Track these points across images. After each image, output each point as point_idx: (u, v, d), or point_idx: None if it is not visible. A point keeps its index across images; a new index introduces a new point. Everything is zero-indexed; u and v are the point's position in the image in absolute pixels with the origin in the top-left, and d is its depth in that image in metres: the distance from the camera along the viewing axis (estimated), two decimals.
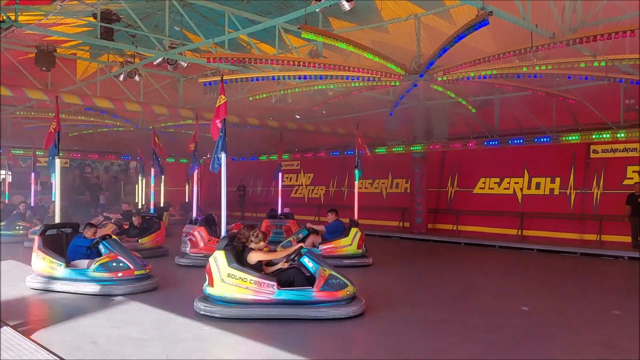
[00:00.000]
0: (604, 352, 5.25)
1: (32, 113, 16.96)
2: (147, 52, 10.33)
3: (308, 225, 11.30)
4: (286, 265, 6.60)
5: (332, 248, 10.51)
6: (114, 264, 7.69)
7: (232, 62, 9.87)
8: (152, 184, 15.25)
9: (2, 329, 5.28)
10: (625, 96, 12.78)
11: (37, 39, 11.07)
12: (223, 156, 7.13)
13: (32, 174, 17.00)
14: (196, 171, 12.26)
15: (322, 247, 10.50)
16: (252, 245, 6.57)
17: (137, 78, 12.80)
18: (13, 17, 7.54)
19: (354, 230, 10.63)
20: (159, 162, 14.57)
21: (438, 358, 5.05)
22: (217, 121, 7.06)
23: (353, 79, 10.06)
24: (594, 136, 13.70)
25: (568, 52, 8.95)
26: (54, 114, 9.17)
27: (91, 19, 9.86)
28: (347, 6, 7.49)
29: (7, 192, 21.47)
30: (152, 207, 15.06)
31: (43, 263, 7.91)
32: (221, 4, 9.62)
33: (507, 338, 5.67)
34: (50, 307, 6.91)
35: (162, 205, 19.64)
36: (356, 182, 11.99)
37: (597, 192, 14.37)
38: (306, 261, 6.45)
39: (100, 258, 7.75)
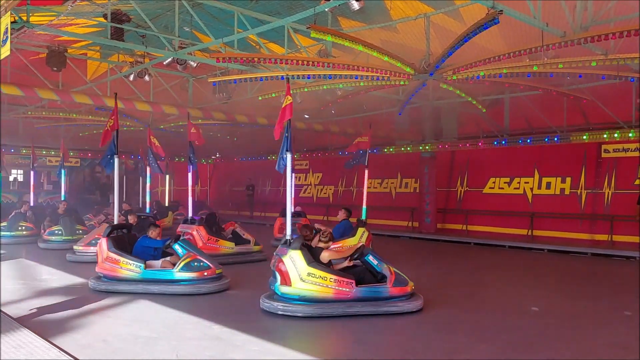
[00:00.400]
0: (616, 353, 5.20)
1: (43, 113, 17.10)
2: (157, 52, 10.37)
3: (316, 225, 11.27)
4: (351, 264, 6.82)
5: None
6: (196, 264, 7.80)
7: (242, 61, 9.89)
8: (149, 183, 15.21)
9: (14, 326, 5.33)
10: (637, 95, 12.65)
11: (48, 39, 11.15)
12: (288, 156, 7.20)
13: (32, 173, 16.89)
14: (190, 172, 12.37)
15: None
16: (322, 245, 6.90)
17: (147, 78, 12.86)
18: (25, 18, 7.60)
19: (361, 230, 10.56)
20: (157, 161, 14.20)
21: (450, 358, 5.03)
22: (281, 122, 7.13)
23: (362, 79, 10.04)
24: (605, 135, 13.57)
25: (579, 50, 8.87)
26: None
27: (101, 19, 9.92)
28: (356, 6, 7.48)
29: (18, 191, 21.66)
30: (147, 206, 15.03)
31: (116, 265, 7.88)
32: (230, 4, 9.64)
33: (519, 339, 5.64)
34: (61, 306, 6.95)
35: (167, 204, 19.71)
36: (365, 182, 11.85)
37: (608, 192, 14.24)
38: (371, 259, 6.70)
39: (183, 259, 7.81)
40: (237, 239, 11.57)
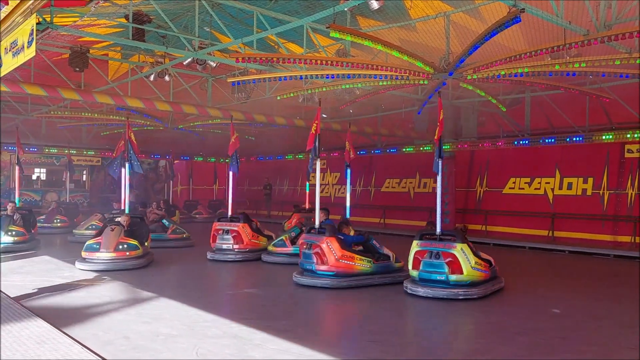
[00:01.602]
0: (638, 356, 5.11)
1: (66, 112, 17.39)
2: (177, 52, 10.47)
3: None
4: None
5: None
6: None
7: (260, 61, 9.93)
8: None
9: (38, 322, 5.44)
10: None
11: (70, 40, 11.33)
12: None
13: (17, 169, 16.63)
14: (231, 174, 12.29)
15: None
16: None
17: (167, 78, 13.01)
18: (49, 19, 7.74)
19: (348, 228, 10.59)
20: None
21: (470, 359, 4.99)
22: None
23: (381, 78, 10.01)
24: (628, 135, 13.34)
25: (602, 49, 8.73)
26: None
27: (123, 20, 10.05)
28: (375, 5, 7.47)
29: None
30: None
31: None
32: (250, 4, 9.68)
33: (540, 340, 5.56)
34: (83, 301, 7.06)
35: (171, 203, 19.77)
36: (348, 183, 11.75)
37: (631, 193, 13.96)
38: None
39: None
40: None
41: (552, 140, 14.75)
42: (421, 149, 17.91)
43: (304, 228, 10.78)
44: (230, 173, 12.19)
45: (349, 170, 11.61)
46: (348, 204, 11.46)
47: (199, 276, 9.53)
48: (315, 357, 4.88)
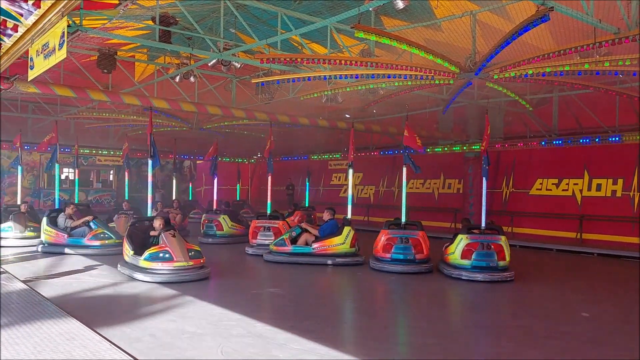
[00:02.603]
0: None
1: (94, 113, 17.72)
2: (202, 53, 10.57)
3: (302, 225, 11.31)
4: None
5: (325, 247, 10.57)
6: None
7: (285, 62, 9.96)
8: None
9: (68, 319, 5.55)
10: None
11: (99, 42, 11.54)
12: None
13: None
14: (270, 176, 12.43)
15: (315, 245, 10.62)
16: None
17: (192, 79, 13.14)
18: (78, 22, 7.90)
19: (347, 229, 10.65)
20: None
21: None
22: None
23: (405, 78, 9.95)
24: None
25: (633, 47, 8.51)
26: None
27: (150, 22, 10.20)
28: (401, 4, 7.43)
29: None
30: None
31: None
32: (274, 4, 9.73)
33: (569, 345, 5.46)
34: (111, 300, 7.18)
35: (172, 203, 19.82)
36: (350, 182, 11.94)
37: None
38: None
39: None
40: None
41: (581, 140, 14.46)
42: (446, 149, 17.73)
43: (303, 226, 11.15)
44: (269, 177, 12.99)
45: (351, 170, 11.97)
46: (350, 203, 11.93)
47: (229, 274, 9.60)
48: (340, 357, 4.87)
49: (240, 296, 7.60)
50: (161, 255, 8.42)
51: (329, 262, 10.41)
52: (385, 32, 8.63)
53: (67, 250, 11.19)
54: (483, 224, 9.62)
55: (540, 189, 16.19)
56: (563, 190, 15.62)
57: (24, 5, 5.58)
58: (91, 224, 11.61)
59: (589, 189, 15.03)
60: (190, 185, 22.48)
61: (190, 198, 22.37)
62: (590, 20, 7.44)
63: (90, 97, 13.17)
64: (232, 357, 4.77)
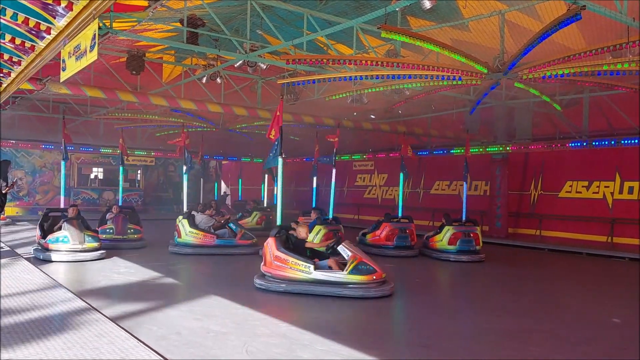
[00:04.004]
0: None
1: (123, 114, 18.03)
2: (228, 55, 10.66)
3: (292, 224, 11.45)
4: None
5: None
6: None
7: (310, 63, 9.97)
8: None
9: (97, 316, 5.65)
10: None
11: (127, 44, 11.74)
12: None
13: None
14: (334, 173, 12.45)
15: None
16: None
17: (218, 80, 13.27)
18: (108, 24, 8.04)
19: (317, 227, 10.72)
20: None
21: None
22: None
23: (432, 78, 9.86)
24: None
25: None
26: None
27: (177, 24, 10.33)
28: (428, 4, 7.37)
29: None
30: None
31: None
32: (300, 5, 9.75)
33: (598, 351, 5.33)
34: (138, 297, 7.29)
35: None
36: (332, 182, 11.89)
37: None
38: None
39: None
40: None
41: (612, 142, 14.10)
42: (472, 150, 17.49)
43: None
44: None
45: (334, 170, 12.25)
46: (332, 202, 12.19)
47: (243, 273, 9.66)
48: (364, 359, 4.85)
49: (265, 296, 7.63)
50: (362, 267, 7.63)
51: None
52: (411, 32, 8.57)
53: (216, 251, 11.48)
54: (464, 218, 12.68)
55: (570, 192, 15.85)
56: (594, 192, 15.26)
57: (57, 7, 5.71)
58: (230, 224, 12.03)
59: (621, 191, 14.65)
60: (216, 185, 22.69)
61: (216, 198, 22.57)
62: (624, 19, 7.25)
63: (119, 98, 13.41)
64: (257, 357, 4.79)
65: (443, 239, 11.88)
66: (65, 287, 7.20)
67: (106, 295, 7.35)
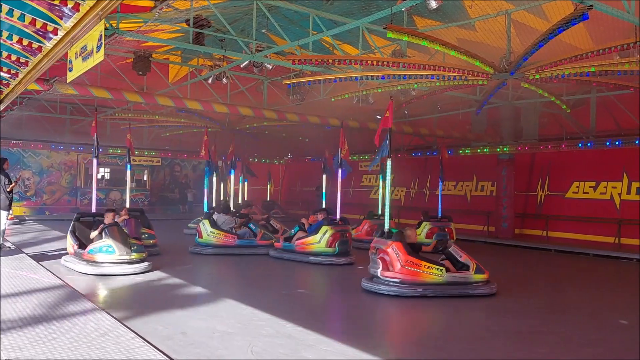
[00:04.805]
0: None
1: (130, 115, 18.11)
2: (234, 55, 10.68)
3: (302, 219, 11.77)
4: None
5: (304, 245, 10.92)
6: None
7: (316, 63, 9.98)
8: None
9: (103, 315, 5.68)
10: None
11: (134, 45, 11.78)
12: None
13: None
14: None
15: (297, 242, 11.03)
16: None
17: (224, 81, 13.29)
18: (115, 25, 8.08)
19: (324, 228, 10.74)
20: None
21: None
22: None
23: (438, 78, 9.84)
24: None
25: None
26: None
27: (184, 24, 10.35)
28: (434, 4, 7.35)
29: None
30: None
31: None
32: (305, 5, 9.75)
33: (606, 353, 5.29)
34: (144, 297, 7.31)
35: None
36: (339, 184, 11.84)
37: None
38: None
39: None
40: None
41: (620, 142, 14.01)
42: (478, 151, 17.44)
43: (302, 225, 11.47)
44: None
45: (340, 170, 11.82)
46: (339, 204, 11.71)
47: (259, 277, 9.66)
48: (369, 359, 4.83)
49: (268, 296, 7.63)
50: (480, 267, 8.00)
51: (308, 260, 10.70)
52: (417, 32, 8.55)
53: (236, 251, 11.59)
54: (439, 214, 14.19)
55: (577, 192, 15.77)
56: (601, 193, 15.17)
57: (64, 8, 5.73)
58: (250, 225, 12.13)
59: (628, 192, 14.56)
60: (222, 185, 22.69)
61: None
62: (631, 18, 7.20)
63: (125, 99, 13.46)
64: (263, 357, 4.79)
65: (421, 233, 13.15)
66: (72, 287, 7.23)
67: (113, 294, 7.37)
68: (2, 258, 9.30)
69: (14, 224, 17.10)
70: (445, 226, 13.64)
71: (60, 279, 7.78)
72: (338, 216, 11.47)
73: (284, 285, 9.00)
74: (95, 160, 10.54)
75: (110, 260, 8.58)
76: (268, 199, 23.95)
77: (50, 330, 5.05)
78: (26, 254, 10.20)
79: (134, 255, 8.84)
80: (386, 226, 8.32)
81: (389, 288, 7.60)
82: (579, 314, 7.15)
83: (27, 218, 19.72)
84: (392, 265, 7.64)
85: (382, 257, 7.76)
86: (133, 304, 6.77)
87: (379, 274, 7.74)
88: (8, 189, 10.02)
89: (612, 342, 5.70)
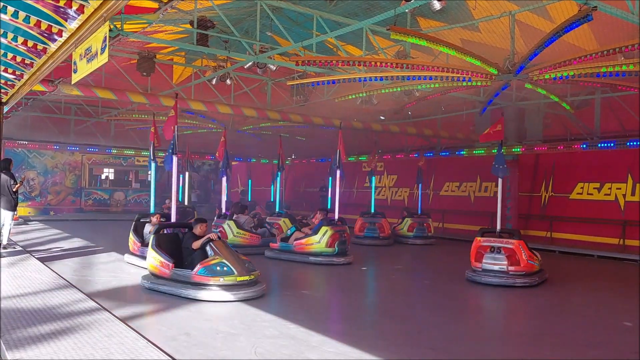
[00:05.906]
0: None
1: (134, 115, 18.16)
2: (238, 56, 10.70)
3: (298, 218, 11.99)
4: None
5: (303, 245, 10.95)
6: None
7: (320, 64, 9.99)
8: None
9: (107, 315, 5.70)
10: None
11: (138, 46, 11.82)
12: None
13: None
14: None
15: (295, 242, 11.03)
16: None
17: (228, 82, 13.31)
18: (119, 26, 8.11)
19: (323, 229, 10.78)
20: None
21: None
22: None
23: (442, 79, 9.83)
24: None
25: None
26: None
27: (188, 25, 10.38)
28: (437, 5, 7.34)
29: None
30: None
31: None
32: (309, 6, 9.76)
33: (610, 355, 5.28)
34: (148, 298, 7.33)
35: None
36: (337, 185, 11.92)
37: None
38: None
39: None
40: None
41: (625, 143, 13.96)
42: (482, 151, 17.41)
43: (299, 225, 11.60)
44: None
45: (338, 172, 11.73)
46: (337, 204, 11.61)
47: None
48: (370, 358, 4.84)
49: (274, 298, 7.64)
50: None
51: (307, 260, 10.74)
52: (421, 33, 8.57)
53: (262, 250, 11.59)
54: (419, 212, 15.90)
55: (581, 193, 15.71)
56: (605, 194, 15.12)
57: (68, 10, 5.75)
58: (265, 224, 12.31)
59: (633, 193, 14.50)
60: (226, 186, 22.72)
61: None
62: (635, 19, 7.19)
63: (130, 100, 13.51)
64: (266, 358, 4.80)
65: (403, 227, 15.32)
66: (76, 287, 7.26)
67: (116, 295, 7.40)
68: (7, 258, 9.35)
69: (18, 224, 17.16)
70: (424, 221, 15.40)
71: (64, 278, 7.81)
72: (337, 216, 11.47)
73: (284, 285, 9.01)
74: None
75: (229, 283, 7.06)
76: (272, 200, 23.95)
77: (54, 331, 5.07)
78: (31, 254, 10.25)
79: (253, 275, 7.30)
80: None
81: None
82: (583, 316, 7.13)
83: (31, 218, 19.78)
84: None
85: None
86: (136, 305, 6.79)
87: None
88: (14, 189, 10.07)
89: (617, 344, 5.69)
